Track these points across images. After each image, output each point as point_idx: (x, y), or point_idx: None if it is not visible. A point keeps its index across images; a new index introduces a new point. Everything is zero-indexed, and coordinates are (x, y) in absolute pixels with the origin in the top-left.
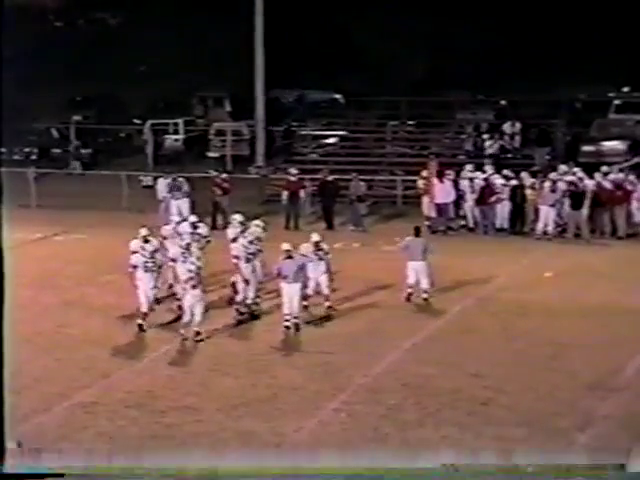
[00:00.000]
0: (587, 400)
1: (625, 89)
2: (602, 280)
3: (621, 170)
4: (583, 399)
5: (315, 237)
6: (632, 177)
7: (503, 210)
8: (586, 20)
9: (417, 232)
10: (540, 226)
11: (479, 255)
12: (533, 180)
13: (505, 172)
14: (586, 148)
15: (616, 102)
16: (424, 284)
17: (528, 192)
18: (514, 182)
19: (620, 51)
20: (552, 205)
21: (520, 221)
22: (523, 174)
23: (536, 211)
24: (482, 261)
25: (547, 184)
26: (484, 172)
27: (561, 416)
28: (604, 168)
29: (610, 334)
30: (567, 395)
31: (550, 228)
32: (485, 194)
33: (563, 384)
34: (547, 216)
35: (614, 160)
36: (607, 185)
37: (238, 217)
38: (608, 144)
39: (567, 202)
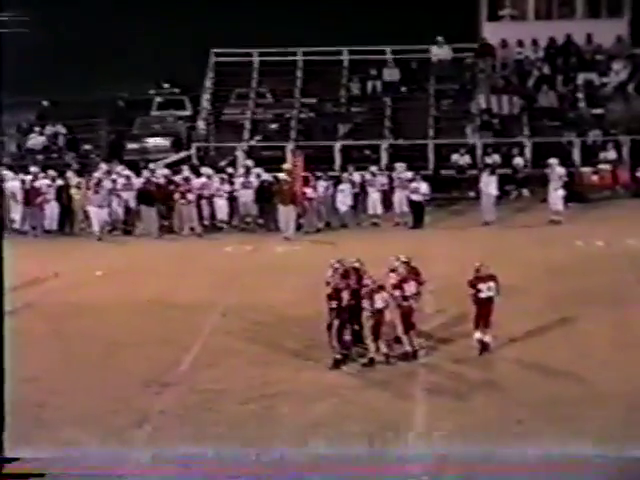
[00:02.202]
0: (143, 396)
1: (166, 86)
2: (152, 276)
3: (167, 166)
4: (139, 396)
5: None
6: (187, 173)
7: (52, 211)
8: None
9: None
10: (95, 228)
11: (32, 257)
12: (79, 180)
13: (50, 172)
14: (131, 146)
15: (158, 99)
16: None
17: (74, 192)
18: (60, 182)
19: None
20: (100, 206)
21: (69, 222)
22: (69, 174)
23: (85, 211)
24: (35, 262)
25: (92, 183)
26: (29, 173)
27: (117, 414)
28: (151, 165)
29: (164, 330)
30: (123, 393)
31: (102, 228)
32: (31, 195)
33: (118, 382)
34: (98, 217)
35: (159, 157)
36: (156, 181)
37: None
38: (152, 141)
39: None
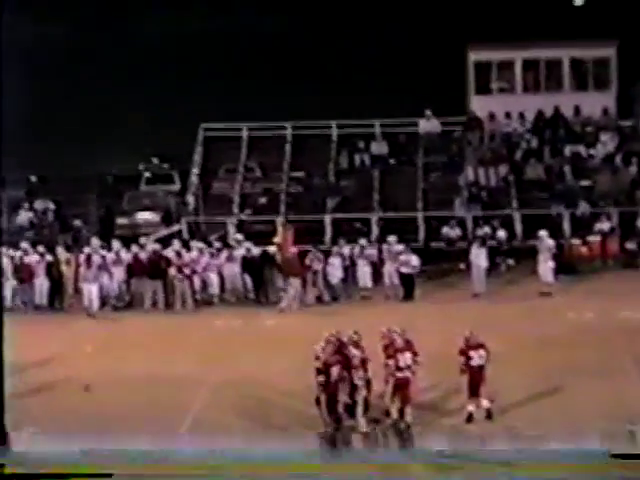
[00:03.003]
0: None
1: (154, 160)
2: (142, 352)
3: (157, 240)
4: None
5: None
6: (178, 247)
7: (41, 287)
8: (111, 94)
9: None
10: (85, 303)
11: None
12: (68, 255)
13: (39, 248)
14: (120, 221)
15: (146, 174)
16: None
17: (64, 267)
18: (49, 258)
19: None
20: (88, 281)
21: (59, 297)
22: (59, 249)
23: (76, 286)
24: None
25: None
26: (18, 249)
27: None
28: (142, 239)
29: (153, 406)
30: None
31: (94, 305)
32: (21, 271)
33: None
34: (89, 293)
35: (149, 231)
36: (143, 256)
37: None
38: (141, 215)
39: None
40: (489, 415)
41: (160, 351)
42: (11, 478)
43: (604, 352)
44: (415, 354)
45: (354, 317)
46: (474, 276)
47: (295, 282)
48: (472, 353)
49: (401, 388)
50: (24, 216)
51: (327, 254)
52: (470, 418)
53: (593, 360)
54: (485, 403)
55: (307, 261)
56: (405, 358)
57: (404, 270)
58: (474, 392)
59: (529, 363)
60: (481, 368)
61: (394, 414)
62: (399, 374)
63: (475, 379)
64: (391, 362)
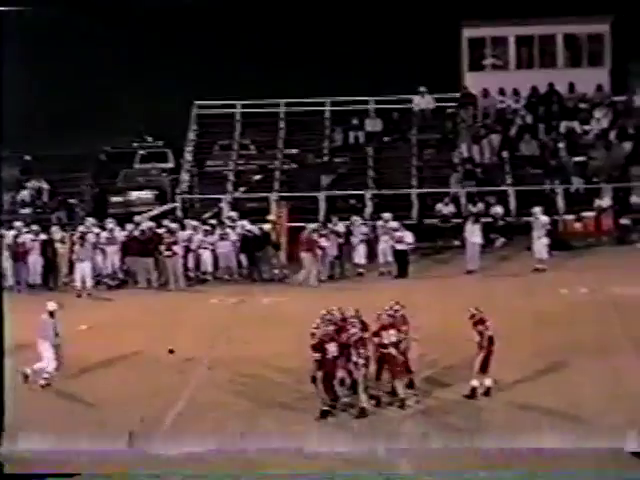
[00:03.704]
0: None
1: (149, 138)
2: (138, 330)
3: (152, 219)
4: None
5: None
6: (173, 225)
7: (35, 266)
8: (104, 71)
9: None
10: (77, 284)
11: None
12: (63, 234)
13: (34, 227)
14: (115, 199)
15: (141, 152)
16: None
17: (58, 246)
18: (43, 237)
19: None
20: (82, 260)
21: (53, 276)
22: (53, 228)
23: (70, 265)
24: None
25: (76, 238)
26: (13, 228)
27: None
28: (136, 218)
29: (150, 385)
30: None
31: (88, 283)
32: (15, 250)
33: (102, 437)
34: (82, 272)
35: (143, 209)
36: (137, 234)
37: None
38: (136, 194)
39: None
40: (487, 393)
41: (156, 330)
42: (11, 478)
43: (598, 329)
44: (399, 330)
45: (349, 294)
46: (468, 253)
47: (307, 257)
48: (480, 327)
49: (387, 364)
50: (25, 194)
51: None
52: (473, 393)
53: (588, 337)
54: (488, 381)
55: (316, 237)
56: (389, 335)
57: (398, 247)
58: (484, 368)
59: (524, 340)
60: (492, 340)
61: (399, 390)
62: (383, 350)
63: (490, 353)
64: (375, 339)
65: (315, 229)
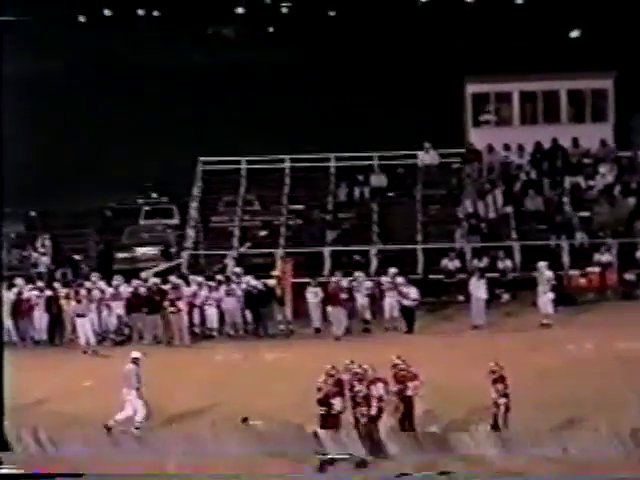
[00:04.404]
0: None
1: (153, 195)
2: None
3: (157, 275)
4: None
5: None
6: (177, 281)
7: (41, 322)
8: (109, 127)
9: None
10: (81, 340)
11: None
12: (67, 290)
13: (39, 283)
14: (120, 255)
15: (145, 208)
16: None
17: (63, 302)
18: (48, 293)
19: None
20: (82, 315)
21: (59, 332)
22: (57, 284)
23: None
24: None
25: (82, 293)
26: (14, 286)
27: None
28: (142, 274)
29: (154, 439)
30: None
31: (91, 339)
32: (19, 307)
33: None
34: (83, 328)
35: (149, 265)
36: (142, 291)
37: None
38: (141, 250)
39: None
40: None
41: (159, 387)
42: (11, 478)
43: (604, 385)
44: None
45: (355, 350)
46: (474, 308)
47: (335, 311)
48: (499, 386)
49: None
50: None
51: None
52: None
53: (593, 392)
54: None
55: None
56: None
57: (405, 303)
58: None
59: (529, 395)
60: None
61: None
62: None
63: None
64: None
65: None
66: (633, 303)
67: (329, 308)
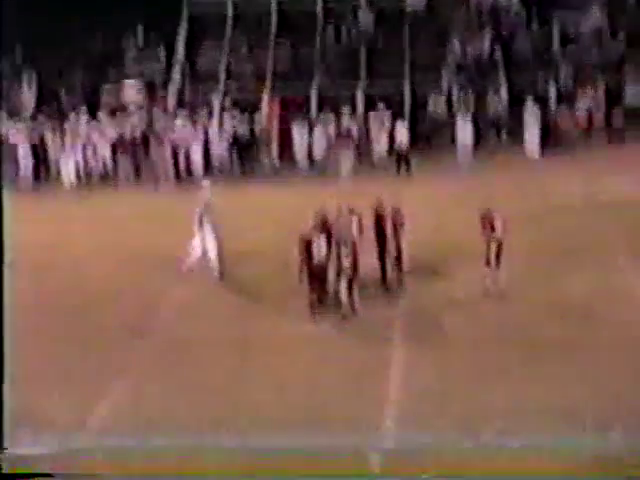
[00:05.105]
0: (120, 346)
1: (140, 35)
2: (124, 227)
3: (142, 114)
4: (118, 347)
5: None
6: (162, 123)
7: (26, 162)
8: None
9: None
10: (66, 181)
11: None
12: (54, 129)
13: (25, 122)
14: (106, 95)
15: (132, 48)
16: None
17: (48, 139)
18: (33, 129)
19: None
20: (68, 155)
21: (44, 172)
22: (42, 119)
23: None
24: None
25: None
26: None
27: (96, 367)
28: (127, 111)
29: (143, 279)
30: (101, 344)
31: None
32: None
33: (97, 333)
34: (67, 169)
35: (135, 103)
36: (128, 131)
37: None
38: (127, 86)
39: None
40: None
41: (145, 227)
42: (11, 478)
43: (590, 227)
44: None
45: (342, 192)
46: (459, 151)
47: (343, 152)
48: (488, 232)
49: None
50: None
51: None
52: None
53: (580, 236)
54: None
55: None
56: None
57: (396, 145)
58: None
59: (515, 240)
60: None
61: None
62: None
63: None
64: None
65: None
66: (620, 144)
67: (337, 150)
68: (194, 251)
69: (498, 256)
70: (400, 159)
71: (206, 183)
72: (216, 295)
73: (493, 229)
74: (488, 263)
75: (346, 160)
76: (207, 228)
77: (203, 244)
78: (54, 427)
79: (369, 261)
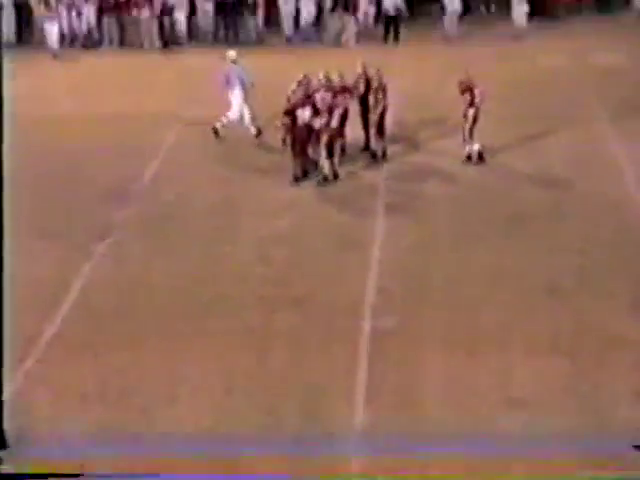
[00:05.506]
0: (105, 209)
1: None
2: (115, 90)
3: None
4: (100, 209)
5: None
6: None
7: (9, 19)
8: None
9: None
10: (51, 45)
11: None
12: None
13: None
14: None
15: None
16: None
17: (34, 3)
18: None
19: None
20: (51, 19)
21: (28, 32)
22: None
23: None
24: None
25: None
26: None
27: (79, 229)
28: None
29: (127, 142)
30: (84, 206)
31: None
32: None
33: (80, 195)
34: (51, 34)
35: None
36: None
37: None
38: None
39: None
40: (480, 157)
41: (132, 89)
42: (11, 478)
43: (573, 96)
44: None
45: (326, 59)
46: (447, 19)
47: (347, 19)
48: (467, 96)
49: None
50: None
51: None
52: (469, 158)
53: (562, 104)
54: (477, 146)
55: None
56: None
57: (390, 12)
58: (471, 133)
59: (496, 106)
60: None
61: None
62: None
63: (477, 118)
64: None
65: None
66: (608, 16)
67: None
68: (231, 113)
69: (474, 123)
70: (389, 25)
71: (233, 54)
72: (201, 162)
73: (472, 97)
74: (468, 132)
75: (333, 27)
76: (236, 90)
77: (240, 107)
78: (40, 285)
79: (355, 130)
